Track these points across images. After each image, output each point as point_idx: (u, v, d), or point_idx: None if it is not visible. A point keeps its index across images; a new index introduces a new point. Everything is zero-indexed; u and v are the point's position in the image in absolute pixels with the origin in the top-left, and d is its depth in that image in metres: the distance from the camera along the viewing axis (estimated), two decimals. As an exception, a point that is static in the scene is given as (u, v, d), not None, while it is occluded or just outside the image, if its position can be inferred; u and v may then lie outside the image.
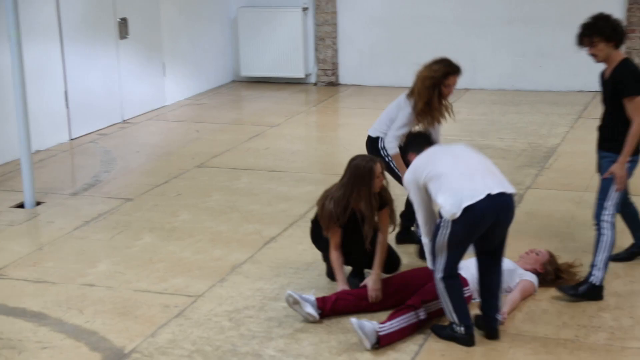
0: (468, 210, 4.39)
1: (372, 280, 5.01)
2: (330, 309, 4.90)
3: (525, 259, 5.27)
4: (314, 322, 4.85)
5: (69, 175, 8.38)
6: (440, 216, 4.50)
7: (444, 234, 4.48)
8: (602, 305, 4.99)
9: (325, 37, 11.85)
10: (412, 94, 5.62)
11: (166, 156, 8.73)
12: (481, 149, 5.05)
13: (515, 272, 5.10)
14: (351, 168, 5.06)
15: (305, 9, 11.83)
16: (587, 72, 10.85)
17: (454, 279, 4.57)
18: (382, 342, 4.59)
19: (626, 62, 4.99)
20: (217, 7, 11.98)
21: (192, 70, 11.51)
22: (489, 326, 4.67)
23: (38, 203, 7.18)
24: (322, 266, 5.69)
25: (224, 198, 7.28)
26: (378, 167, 5.00)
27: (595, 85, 10.69)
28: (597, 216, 5.06)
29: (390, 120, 5.72)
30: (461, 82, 11.21)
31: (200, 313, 5.08)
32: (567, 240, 6.02)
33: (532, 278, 5.14)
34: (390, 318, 4.69)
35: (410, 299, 4.79)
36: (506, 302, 4.93)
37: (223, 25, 12.14)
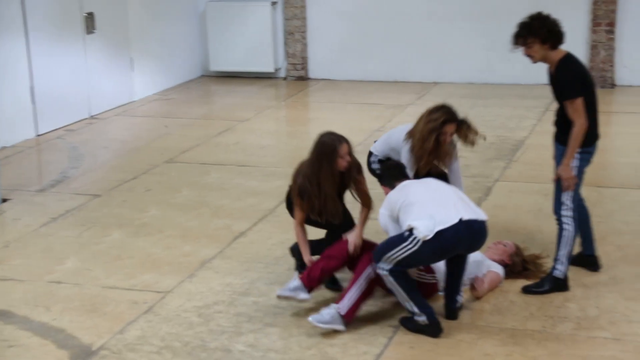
0: (440, 235, 4.45)
1: (354, 234, 5.02)
2: (317, 283, 4.94)
3: (493, 250, 5.32)
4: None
5: (36, 172, 8.29)
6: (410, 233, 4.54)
7: (408, 249, 4.48)
8: (569, 296, 5.04)
9: (295, 32, 11.83)
10: (410, 134, 5.54)
11: (135, 152, 8.67)
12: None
13: (483, 263, 5.14)
14: (317, 144, 5.05)
15: (274, 3, 11.79)
16: (554, 65, 10.98)
17: (402, 273, 4.58)
18: (348, 320, 4.65)
19: (565, 62, 4.92)
20: (185, 1, 11.90)
21: (160, 65, 11.44)
22: (448, 307, 4.77)
23: (4, 200, 7.10)
24: (292, 261, 5.68)
25: (194, 193, 7.25)
26: (344, 147, 4.96)
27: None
28: (557, 211, 5.07)
29: (387, 144, 5.79)
30: (430, 75, 11.47)
31: (169, 309, 5.05)
32: (534, 232, 6.07)
33: (499, 269, 5.18)
34: (343, 294, 4.74)
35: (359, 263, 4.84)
36: (480, 285, 5.01)
37: (191, 20, 12.07)
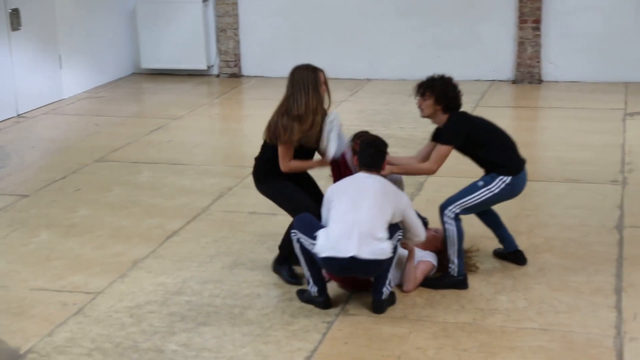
0: (330, 260, 4.68)
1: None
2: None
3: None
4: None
5: (-39, 173, 8.07)
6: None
7: (312, 245, 4.76)
8: (499, 288, 5.14)
9: (227, 29, 11.76)
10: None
11: (64, 151, 8.51)
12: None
13: (414, 255, 5.19)
14: (294, 77, 5.10)
15: (205, 0, 11.70)
16: (484, 61, 11.19)
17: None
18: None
19: (451, 116, 5.12)
20: (114, -3, 11.73)
21: (90, 63, 11.23)
22: (373, 298, 4.85)
23: None
24: (226, 259, 5.67)
25: (125, 192, 7.15)
26: (321, 74, 5.12)
27: (492, 74, 11.12)
28: (442, 209, 5.16)
29: None
30: (362, 72, 11.54)
31: (100, 310, 4.97)
32: (465, 226, 6.10)
33: (431, 257, 5.24)
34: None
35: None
36: (408, 280, 5.05)
37: (121, 17, 11.89)
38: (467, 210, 5.16)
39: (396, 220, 4.83)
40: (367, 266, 4.68)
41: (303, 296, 5.00)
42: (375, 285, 4.85)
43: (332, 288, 5.06)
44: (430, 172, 5.20)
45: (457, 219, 5.12)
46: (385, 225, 4.74)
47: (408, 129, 8.91)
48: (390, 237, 4.75)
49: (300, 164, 5.21)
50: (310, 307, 4.93)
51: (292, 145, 5.10)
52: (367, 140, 5.06)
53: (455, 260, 5.12)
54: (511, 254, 5.47)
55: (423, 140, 8.40)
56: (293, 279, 5.23)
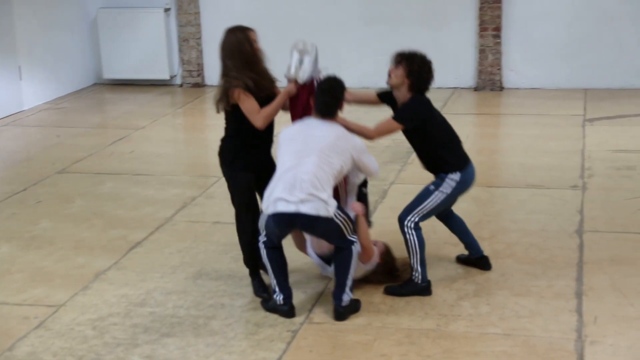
0: (272, 217, 4.74)
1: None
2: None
3: None
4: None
5: None
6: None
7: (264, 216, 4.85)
8: (462, 294, 5.18)
9: (189, 38, 11.73)
10: None
11: (25, 163, 8.41)
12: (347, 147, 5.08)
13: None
14: (223, 42, 5.11)
15: (167, 10, 11.66)
16: (445, 69, 11.26)
17: (274, 250, 4.85)
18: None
19: (411, 98, 5.09)
20: (74, 8, 11.61)
21: (51, 74, 11.12)
22: (334, 306, 4.88)
23: None
24: (190, 269, 5.64)
25: (87, 204, 7.08)
26: (252, 33, 5.13)
27: (454, 82, 11.21)
28: (401, 219, 5.15)
29: None
30: (326, 81, 11.53)
31: (62, 323, 4.92)
32: (429, 232, 6.15)
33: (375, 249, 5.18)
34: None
35: None
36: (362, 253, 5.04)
37: (82, 27, 11.79)
38: (425, 216, 5.18)
39: (347, 168, 4.83)
40: (311, 223, 4.68)
41: (267, 305, 4.99)
42: (335, 292, 4.86)
43: (297, 296, 5.06)
44: (369, 138, 5.08)
45: (417, 227, 5.14)
46: (330, 181, 4.73)
47: (371, 137, 8.93)
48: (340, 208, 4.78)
49: (270, 107, 4.99)
50: (275, 316, 4.93)
51: (251, 93, 4.95)
52: (325, 88, 4.92)
53: (419, 269, 5.14)
54: (477, 260, 5.51)
55: (386, 147, 8.44)
56: (262, 293, 5.16)
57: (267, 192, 4.77)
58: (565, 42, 10.82)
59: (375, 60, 11.41)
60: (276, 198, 4.70)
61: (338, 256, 4.84)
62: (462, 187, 5.19)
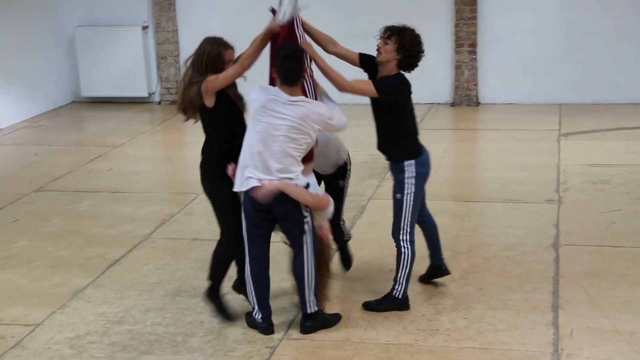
0: (246, 195, 4.75)
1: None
2: None
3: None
4: None
5: None
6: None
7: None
8: (439, 308, 5.21)
9: (167, 56, 11.75)
10: None
11: (2, 181, 8.36)
12: (312, 126, 4.91)
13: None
14: (200, 46, 5.05)
15: (145, 28, 11.67)
16: (422, 85, 11.31)
17: (259, 263, 4.81)
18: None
19: (393, 75, 4.99)
20: (51, 25, 11.59)
21: (28, 92, 11.09)
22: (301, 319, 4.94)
23: None
24: (169, 286, 5.64)
25: (65, 222, 7.06)
26: (229, 53, 5.01)
27: (430, 98, 11.29)
28: (395, 235, 5.15)
29: None
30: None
31: (39, 342, 4.89)
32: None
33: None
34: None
35: None
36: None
37: (59, 45, 11.77)
38: (413, 223, 5.14)
39: (315, 137, 4.80)
40: (281, 201, 4.66)
41: (249, 320, 4.99)
42: (300, 302, 4.90)
43: (276, 313, 5.06)
44: (341, 88, 4.95)
45: (412, 240, 5.13)
46: (299, 157, 4.72)
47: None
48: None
49: (251, 49, 4.88)
50: (253, 332, 4.93)
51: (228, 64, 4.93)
52: (286, 54, 4.72)
53: (404, 283, 5.14)
54: (433, 267, 5.49)
55: (364, 163, 8.48)
56: (220, 314, 5.08)
57: (239, 170, 4.76)
58: (540, 58, 10.94)
59: (353, 76, 11.49)
60: (247, 177, 4.72)
61: (294, 269, 4.88)
62: (422, 178, 5.11)
